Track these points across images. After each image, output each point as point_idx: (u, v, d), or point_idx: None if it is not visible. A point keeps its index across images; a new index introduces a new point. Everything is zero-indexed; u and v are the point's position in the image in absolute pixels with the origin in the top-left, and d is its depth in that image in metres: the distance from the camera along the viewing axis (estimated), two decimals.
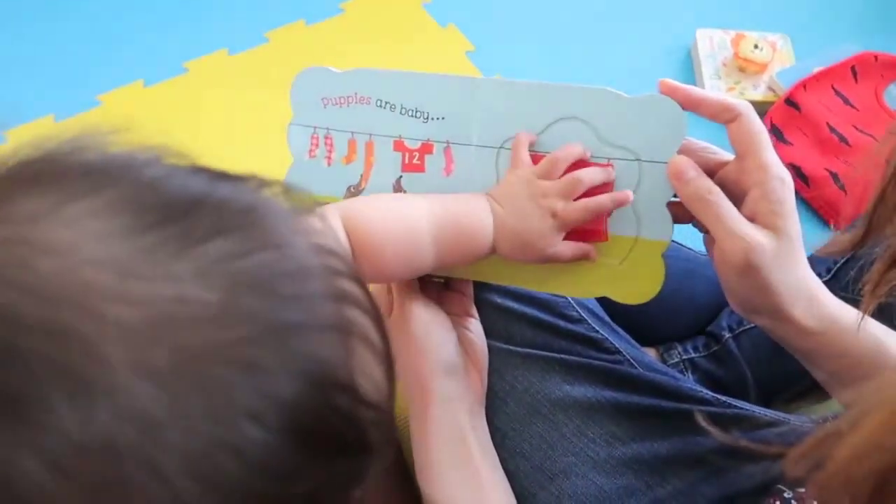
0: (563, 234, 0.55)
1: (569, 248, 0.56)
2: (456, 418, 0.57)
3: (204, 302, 0.26)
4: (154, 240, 0.26)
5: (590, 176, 0.55)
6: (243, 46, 1.25)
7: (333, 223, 0.51)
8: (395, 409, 0.30)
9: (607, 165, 0.56)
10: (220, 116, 1.17)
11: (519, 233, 0.55)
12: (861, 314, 0.38)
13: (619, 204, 0.55)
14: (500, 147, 0.59)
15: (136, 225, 0.26)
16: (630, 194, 0.55)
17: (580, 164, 0.56)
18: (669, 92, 0.54)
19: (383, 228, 0.53)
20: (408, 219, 0.54)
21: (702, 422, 0.43)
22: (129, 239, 0.26)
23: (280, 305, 0.27)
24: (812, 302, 0.51)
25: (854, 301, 0.45)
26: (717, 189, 0.51)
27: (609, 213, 0.56)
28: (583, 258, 0.56)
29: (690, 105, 0.54)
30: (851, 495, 0.29)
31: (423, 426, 0.57)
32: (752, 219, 0.50)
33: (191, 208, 0.28)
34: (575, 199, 0.55)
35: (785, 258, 0.49)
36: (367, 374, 0.27)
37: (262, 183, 0.31)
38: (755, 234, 0.49)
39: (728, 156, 0.55)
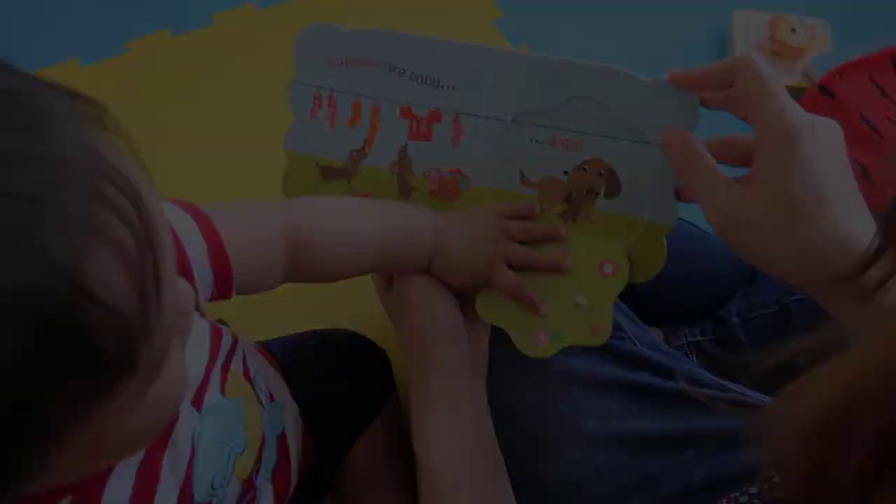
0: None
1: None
2: (454, 388, 0.58)
3: None
4: None
5: (543, 260, 0.58)
6: (272, 0, 1.25)
7: (271, 223, 0.54)
8: (154, 329, 0.29)
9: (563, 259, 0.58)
10: (246, 69, 1.17)
11: (456, 260, 0.58)
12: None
13: (537, 311, 0.59)
14: (512, 121, 0.58)
15: None
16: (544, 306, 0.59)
17: None
18: (679, 81, 0.53)
19: (332, 246, 0.56)
20: (357, 243, 0.57)
21: (686, 387, 0.43)
22: None
23: (20, 177, 0.26)
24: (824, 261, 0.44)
25: None
26: (705, 158, 0.50)
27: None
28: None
29: (698, 87, 0.53)
30: (799, 443, 0.30)
31: (421, 393, 0.59)
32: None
33: None
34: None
35: (774, 222, 0.45)
36: (106, 277, 0.27)
37: (67, 93, 0.31)
38: (729, 205, 0.47)
39: None
